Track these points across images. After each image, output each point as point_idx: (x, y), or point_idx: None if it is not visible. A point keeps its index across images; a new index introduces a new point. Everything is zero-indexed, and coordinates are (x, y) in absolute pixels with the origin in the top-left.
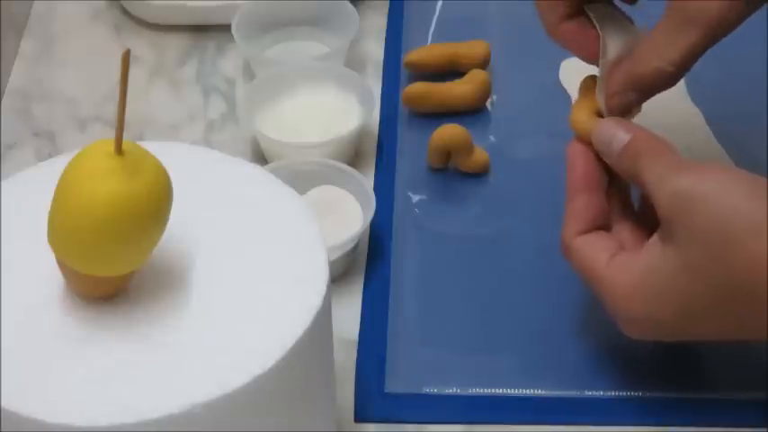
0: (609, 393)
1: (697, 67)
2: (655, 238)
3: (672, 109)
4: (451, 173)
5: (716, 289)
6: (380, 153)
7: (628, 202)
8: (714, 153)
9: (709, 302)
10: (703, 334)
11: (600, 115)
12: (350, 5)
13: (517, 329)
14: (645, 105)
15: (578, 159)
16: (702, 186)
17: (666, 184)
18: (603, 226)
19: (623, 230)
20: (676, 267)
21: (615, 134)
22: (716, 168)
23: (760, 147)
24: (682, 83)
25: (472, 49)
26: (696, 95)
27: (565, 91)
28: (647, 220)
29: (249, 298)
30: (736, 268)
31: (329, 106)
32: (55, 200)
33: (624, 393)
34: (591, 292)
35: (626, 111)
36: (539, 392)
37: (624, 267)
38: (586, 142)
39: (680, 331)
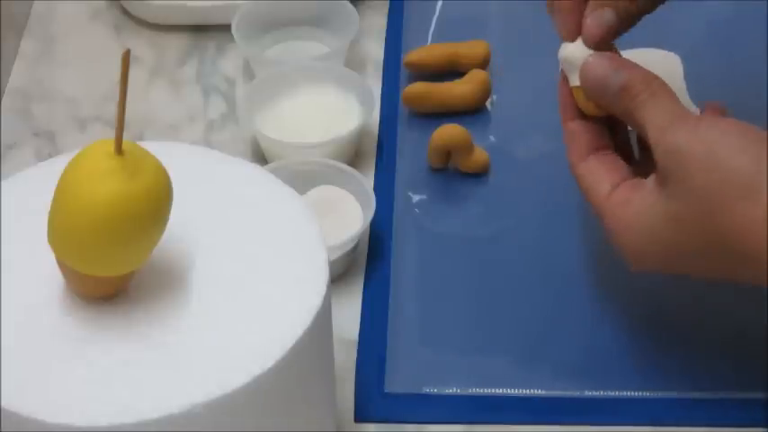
0: (609, 393)
1: (697, 66)
2: (652, 179)
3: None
4: (451, 173)
5: (699, 237)
6: (380, 153)
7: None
8: None
9: (694, 251)
10: (694, 273)
11: None
12: (350, 5)
13: (517, 329)
14: None
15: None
16: (697, 145)
17: (663, 138)
18: (605, 145)
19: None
20: (667, 214)
21: (609, 74)
22: (711, 124)
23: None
24: (682, 83)
25: (472, 49)
26: (696, 95)
27: None
28: (646, 156)
29: (249, 298)
30: (722, 229)
31: (329, 106)
32: (55, 200)
33: (624, 393)
34: (592, 296)
35: (606, 35)
36: (539, 392)
37: (622, 202)
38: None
39: (671, 268)
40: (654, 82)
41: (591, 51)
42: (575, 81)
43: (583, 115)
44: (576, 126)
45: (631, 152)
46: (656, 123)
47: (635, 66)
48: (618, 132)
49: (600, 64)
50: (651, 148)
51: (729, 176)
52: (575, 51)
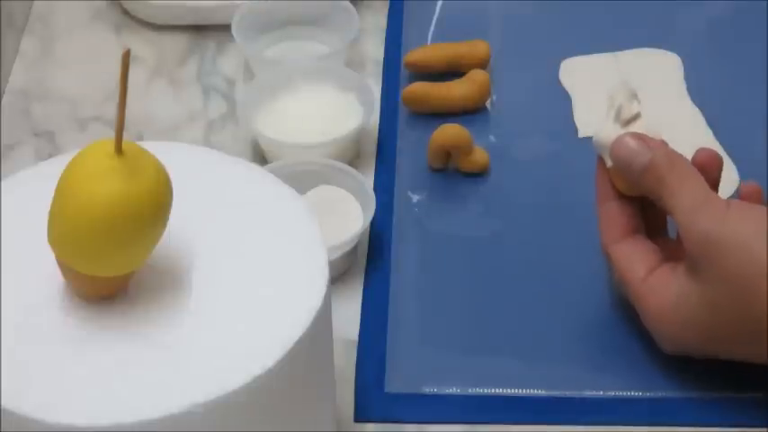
0: (609, 393)
1: (697, 66)
2: (684, 265)
3: (672, 109)
4: (451, 173)
5: (737, 325)
6: (380, 153)
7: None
8: None
9: (731, 335)
10: (729, 356)
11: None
12: (350, 5)
13: (517, 329)
14: (645, 106)
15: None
16: (727, 234)
17: (692, 224)
18: (639, 227)
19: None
20: (701, 301)
21: (635, 152)
22: (739, 212)
23: (760, 147)
24: (682, 83)
25: (472, 49)
26: (696, 95)
27: (565, 91)
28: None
29: (249, 298)
30: (755, 308)
31: (329, 106)
32: (55, 200)
33: (624, 393)
34: (592, 296)
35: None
36: (539, 392)
37: (657, 289)
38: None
39: (707, 353)
40: (678, 163)
41: (622, 131)
42: (609, 162)
43: (619, 194)
44: (613, 207)
45: (666, 228)
46: (683, 208)
47: (662, 146)
48: (655, 208)
49: (626, 144)
50: (681, 236)
51: (760, 259)
52: (606, 133)
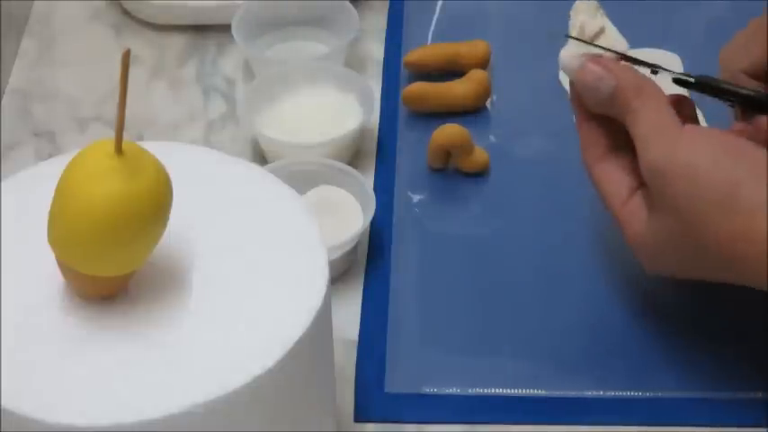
0: (609, 393)
1: (697, 66)
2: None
3: None
4: (451, 173)
5: (695, 253)
6: (380, 153)
7: None
8: None
9: (691, 260)
10: (699, 278)
11: None
12: (350, 5)
13: (517, 329)
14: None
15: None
16: (675, 160)
17: (645, 153)
18: (620, 144)
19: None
20: (661, 228)
21: (600, 79)
22: (690, 138)
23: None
24: None
25: (472, 48)
26: (696, 95)
27: (565, 91)
28: None
29: (249, 298)
30: (706, 242)
31: (329, 106)
32: (55, 200)
33: (624, 393)
34: (592, 296)
35: None
36: (539, 392)
37: (633, 216)
38: None
39: (680, 273)
40: (645, 89)
41: (586, 57)
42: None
43: (597, 114)
44: (591, 126)
45: None
46: (639, 136)
47: (627, 70)
48: None
49: (591, 70)
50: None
51: (707, 192)
52: (571, 53)
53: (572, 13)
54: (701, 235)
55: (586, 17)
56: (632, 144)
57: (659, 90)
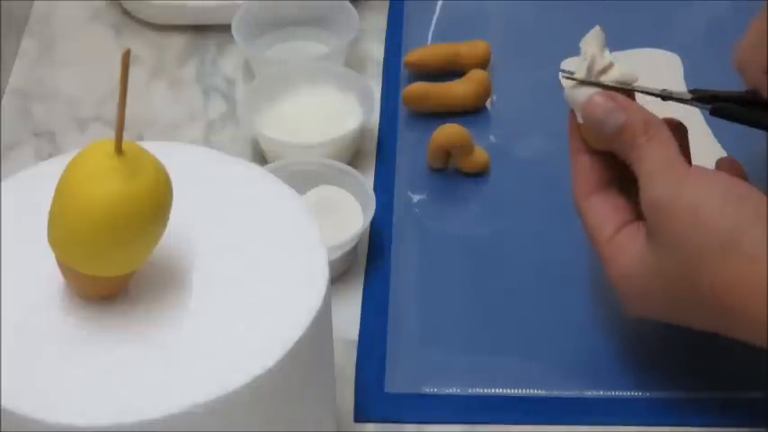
0: (609, 393)
1: (697, 66)
2: (644, 228)
3: (672, 109)
4: (451, 173)
5: (690, 298)
6: (380, 153)
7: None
8: (714, 152)
9: (684, 305)
10: (688, 325)
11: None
12: (350, 5)
13: (517, 329)
14: (644, 106)
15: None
16: (679, 200)
17: (648, 189)
18: (611, 181)
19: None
20: (655, 267)
21: (608, 114)
22: (696, 179)
23: (760, 146)
24: (681, 83)
25: (472, 49)
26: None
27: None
28: None
29: (249, 298)
30: (705, 286)
31: (329, 106)
32: (55, 200)
33: (624, 393)
34: (592, 296)
35: None
36: (539, 392)
37: (620, 252)
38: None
39: (666, 318)
40: (652, 127)
41: (594, 90)
42: (581, 118)
43: (592, 148)
44: (585, 160)
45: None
46: (644, 172)
47: (637, 108)
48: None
49: (600, 104)
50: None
51: (709, 234)
52: (579, 88)
53: (582, 45)
54: (697, 277)
55: (596, 52)
56: (625, 181)
57: (666, 131)
